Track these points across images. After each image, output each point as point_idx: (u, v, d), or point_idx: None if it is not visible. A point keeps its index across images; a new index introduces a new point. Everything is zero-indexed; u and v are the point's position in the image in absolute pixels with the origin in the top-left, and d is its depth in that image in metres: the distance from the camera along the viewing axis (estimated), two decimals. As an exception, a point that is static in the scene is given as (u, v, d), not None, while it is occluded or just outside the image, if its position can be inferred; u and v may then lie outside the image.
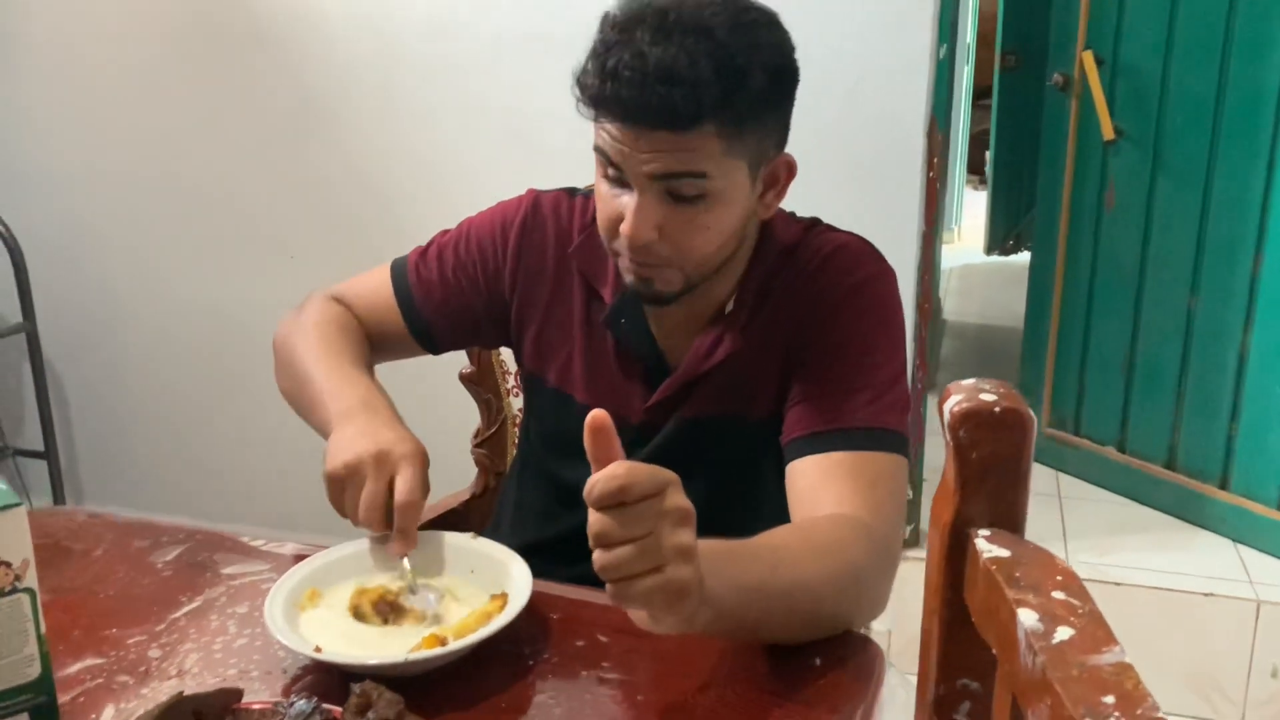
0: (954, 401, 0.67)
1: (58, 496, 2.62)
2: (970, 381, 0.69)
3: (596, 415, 0.75)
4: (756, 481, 1.15)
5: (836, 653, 0.94)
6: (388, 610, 0.95)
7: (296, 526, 2.52)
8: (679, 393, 1.13)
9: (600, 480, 0.73)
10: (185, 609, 1.02)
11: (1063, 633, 0.56)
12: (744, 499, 1.16)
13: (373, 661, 0.86)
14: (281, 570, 1.07)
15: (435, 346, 1.24)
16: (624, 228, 1.01)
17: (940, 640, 0.71)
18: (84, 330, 2.69)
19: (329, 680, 0.89)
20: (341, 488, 0.98)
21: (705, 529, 1.16)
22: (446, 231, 1.25)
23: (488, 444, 1.57)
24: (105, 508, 2.80)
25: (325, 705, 0.80)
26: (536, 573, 0.99)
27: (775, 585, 0.87)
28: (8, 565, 0.75)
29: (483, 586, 1.00)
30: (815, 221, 1.16)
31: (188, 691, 0.88)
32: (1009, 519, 0.67)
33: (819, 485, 1.02)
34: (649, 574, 0.74)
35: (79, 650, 0.95)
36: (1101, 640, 0.55)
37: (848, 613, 0.95)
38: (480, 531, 1.55)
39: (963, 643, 0.69)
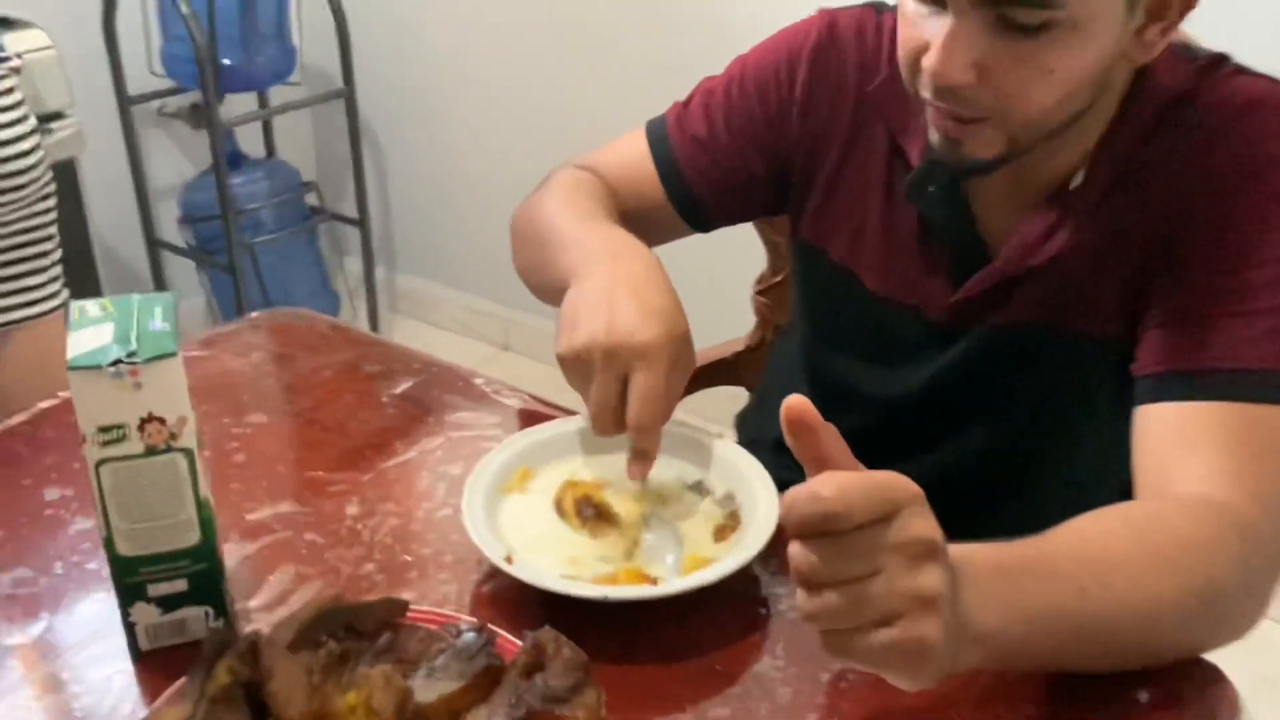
0: None
1: (368, 264, 2.69)
2: None
3: (794, 405, 0.54)
4: (1084, 420, 0.88)
5: (1172, 686, 0.69)
6: (591, 514, 0.79)
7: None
8: (996, 290, 0.86)
9: (801, 500, 0.52)
10: (398, 458, 0.91)
11: None
12: (1063, 442, 0.90)
13: (568, 591, 0.71)
14: (509, 428, 0.94)
15: (702, 221, 1.00)
16: (928, 60, 0.73)
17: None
18: (402, 101, 2.67)
19: (522, 594, 0.75)
20: (573, 375, 0.80)
21: (1007, 477, 0.91)
22: (712, 78, 0.99)
23: (771, 292, 1.35)
24: (414, 278, 2.87)
25: (500, 639, 0.66)
26: (790, 480, 0.79)
27: (1084, 613, 0.62)
28: (162, 422, 0.64)
29: (714, 503, 0.82)
30: (1219, 60, 0.81)
31: (372, 574, 0.78)
32: None
33: (1177, 447, 0.74)
34: (872, 628, 0.53)
35: (277, 492, 0.87)
36: None
37: (1196, 641, 0.69)
38: (750, 393, 1.38)
39: None
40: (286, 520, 0.84)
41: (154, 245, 2.51)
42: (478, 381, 1.02)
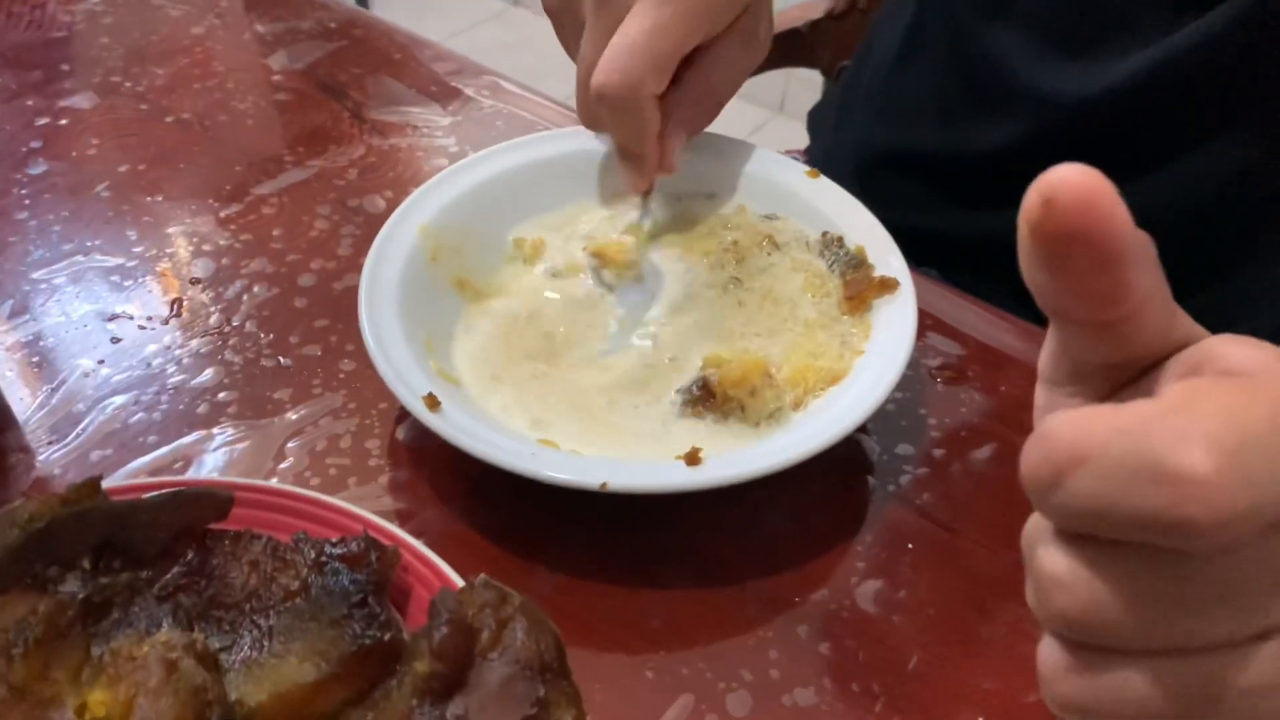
0: None
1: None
2: None
3: (1069, 184, 0.20)
4: None
5: None
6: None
7: None
8: None
9: (1128, 474, 0.20)
10: (284, 179, 0.58)
11: None
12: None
13: (533, 472, 0.39)
14: (472, 141, 0.60)
15: None
16: None
17: None
18: None
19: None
20: (564, 28, 0.51)
21: (1226, 240, 0.61)
22: None
23: (871, -67, 0.95)
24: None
25: (408, 569, 0.36)
26: (917, 243, 0.48)
27: None
28: None
29: (817, 252, 0.49)
30: None
31: (216, 388, 0.46)
32: None
33: None
34: None
35: (88, 230, 0.54)
36: None
37: None
38: (828, 84, 1.00)
39: None
40: (95, 281, 0.52)
41: None
42: (427, 57, 0.66)
